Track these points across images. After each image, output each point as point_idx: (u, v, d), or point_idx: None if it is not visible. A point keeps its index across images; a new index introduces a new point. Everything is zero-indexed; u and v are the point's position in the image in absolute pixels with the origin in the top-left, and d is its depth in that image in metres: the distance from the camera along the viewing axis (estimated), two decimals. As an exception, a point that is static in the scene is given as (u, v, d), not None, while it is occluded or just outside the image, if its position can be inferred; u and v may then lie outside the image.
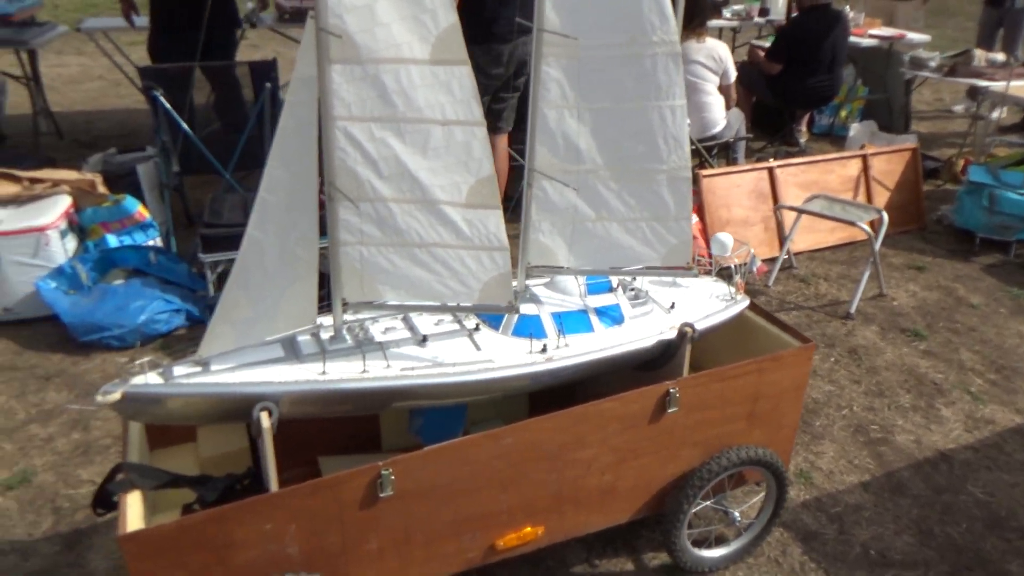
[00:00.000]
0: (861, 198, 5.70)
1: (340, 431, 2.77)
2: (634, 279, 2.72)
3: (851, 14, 7.71)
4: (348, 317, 2.36)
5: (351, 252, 2.20)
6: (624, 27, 2.20)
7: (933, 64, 7.13)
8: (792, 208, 4.96)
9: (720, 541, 2.87)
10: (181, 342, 4.27)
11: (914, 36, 8.03)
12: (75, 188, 4.74)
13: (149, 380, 2.05)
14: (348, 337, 2.30)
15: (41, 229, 4.36)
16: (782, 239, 5.31)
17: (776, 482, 2.76)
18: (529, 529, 2.45)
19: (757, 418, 2.68)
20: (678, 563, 2.72)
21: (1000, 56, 7.07)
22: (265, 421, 2.02)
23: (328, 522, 2.13)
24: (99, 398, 2.00)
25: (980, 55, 7.00)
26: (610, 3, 2.19)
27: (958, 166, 6.72)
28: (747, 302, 2.84)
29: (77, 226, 4.71)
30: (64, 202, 4.62)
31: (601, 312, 2.55)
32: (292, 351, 2.22)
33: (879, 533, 3.01)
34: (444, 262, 2.19)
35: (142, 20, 6.15)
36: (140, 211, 4.86)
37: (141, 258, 4.59)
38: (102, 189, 4.83)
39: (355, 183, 2.11)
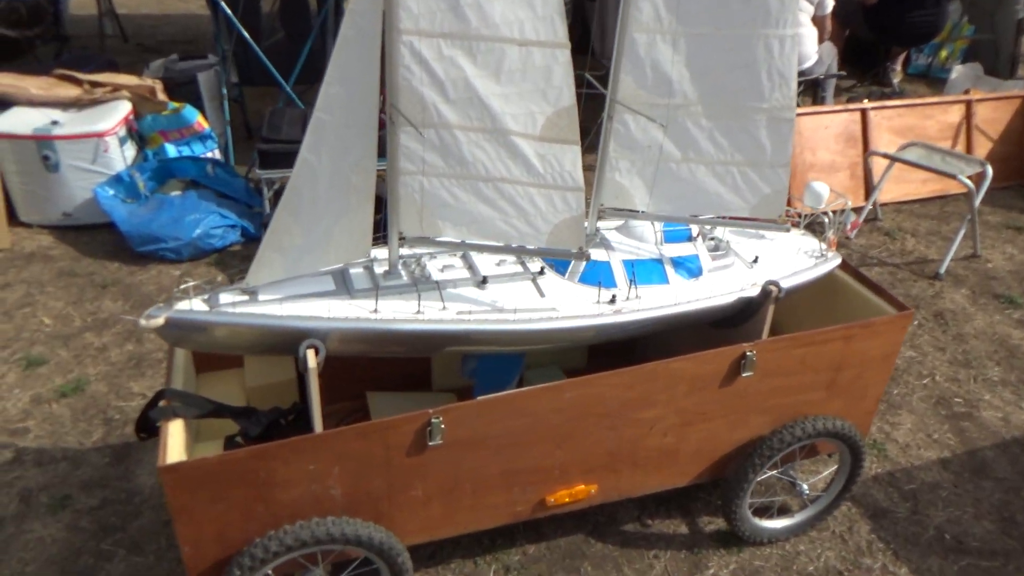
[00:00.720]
0: (960, 148, 5.24)
1: (390, 366, 2.66)
2: (713, 228, 2.49)
3: (965, -58, 7.01)
4: (404, 251, 2.20)
5: (411, 182, 2.02)
6: (734, -60, 1.92)
7: (1055, 2, 6.44)
8: (886, 155, 4.57)
9: (783, 511, 2.70)
10: (235, 259, 4.20)
11: (1035, -30, 7.26)
12: (135, 94, 4.64)
13: (194, 306, 1.94)
14: (403, 273, 2.15)
15: (100, 135, 4.29)
16: (868, 188, 4.94)
17: (851, 456, 2.56)
18: (582, 487, 2.32)
19: (838, 388, 2.47)
20: (736, 531, 2.57)
21: None
22: (311, 360, 1.90)
23: (374, 466, 2.03)
24: (142, 322, 1.90)
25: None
26: (720, -90, 1.90)
27: (1070, 118, 6.13)
28: (838, 260, 2.59)
29: (136, 133, 4.63)
30: (124, 108, 4.54)
31: (678, 262, 2.33)
32: (343, 285, 2.08)
33: (956, 516, 2.80)
34: (511, 199, 2.00)
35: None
36: (199, 121, 4.75)
37: (199, 170, 4.51)
38: (162, 96, 4.72)
39: (419, 106, 1.91)
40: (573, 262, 2.22)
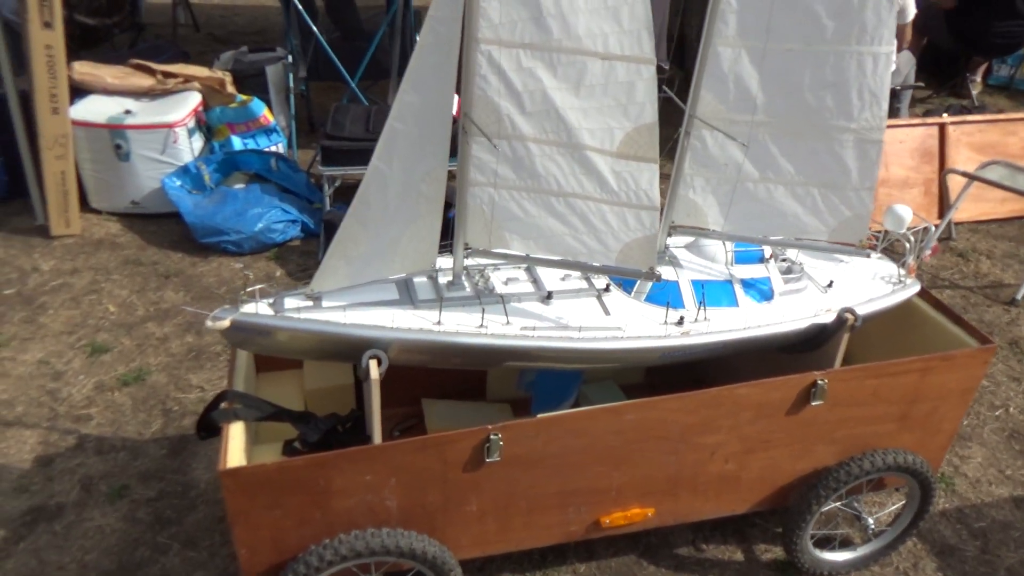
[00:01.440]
0: (1044, 167, 4.99)
1: (445, 374, 2.61)
2: (786, 249, 2.40)
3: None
4: (468, 262, 2.17)
5: (480, 194, 1.99)
6: (829, -47, 1.83)
7: None
8: (965, 174, 4.38)
9: (845, 544, 2.60)
10: (294, 253, 4.24)
11: None
12: (205, 86, 4.72)
13: (260, 310, 1.94)
14: (467, 285, 2.12)
15: (170, 126, 4.37)
16: (943, 206, 4.74)
17: (921, 492, 2.45)
18: (638, 510, 2.26)
19: (911, 421, 2.36)
20: (794, 562, 2.48)
21: None
22: (374, 371, 1.88)
23: (430, 480, 2.01)
24: (209, 323, 1.90)
25: None
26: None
27: None
28: (917, 287, 2.47)
29: (205, 125, 4.71)
30: (194, 99, 4.61)
31: (748, 285, 2.25)
32: (407, 294, 2.06)
33: (1030, 560, 2.67)
34: (583, 216, 1.95)
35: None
36: (265, 114, 4.81)
37: (263, 163, 4.56)
38: (230, 89, 4.79)
39: (493, 117, 1.88)
40: (640, 280, 2.16)
